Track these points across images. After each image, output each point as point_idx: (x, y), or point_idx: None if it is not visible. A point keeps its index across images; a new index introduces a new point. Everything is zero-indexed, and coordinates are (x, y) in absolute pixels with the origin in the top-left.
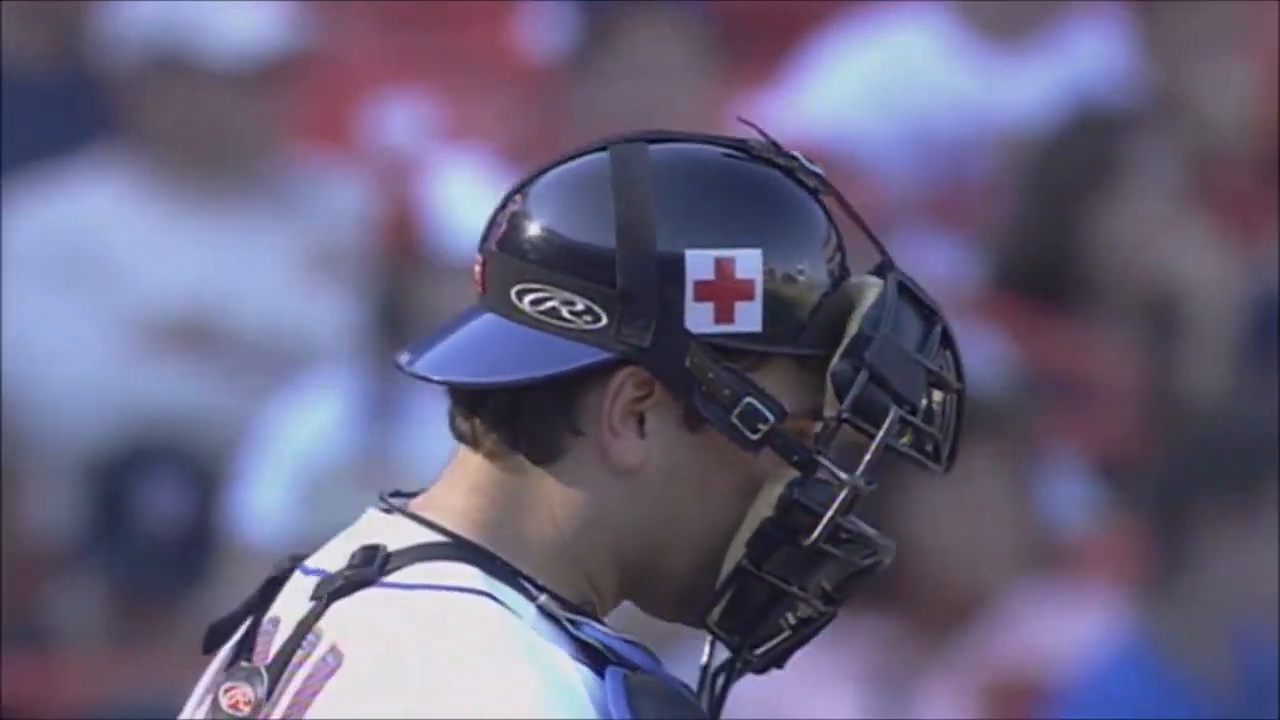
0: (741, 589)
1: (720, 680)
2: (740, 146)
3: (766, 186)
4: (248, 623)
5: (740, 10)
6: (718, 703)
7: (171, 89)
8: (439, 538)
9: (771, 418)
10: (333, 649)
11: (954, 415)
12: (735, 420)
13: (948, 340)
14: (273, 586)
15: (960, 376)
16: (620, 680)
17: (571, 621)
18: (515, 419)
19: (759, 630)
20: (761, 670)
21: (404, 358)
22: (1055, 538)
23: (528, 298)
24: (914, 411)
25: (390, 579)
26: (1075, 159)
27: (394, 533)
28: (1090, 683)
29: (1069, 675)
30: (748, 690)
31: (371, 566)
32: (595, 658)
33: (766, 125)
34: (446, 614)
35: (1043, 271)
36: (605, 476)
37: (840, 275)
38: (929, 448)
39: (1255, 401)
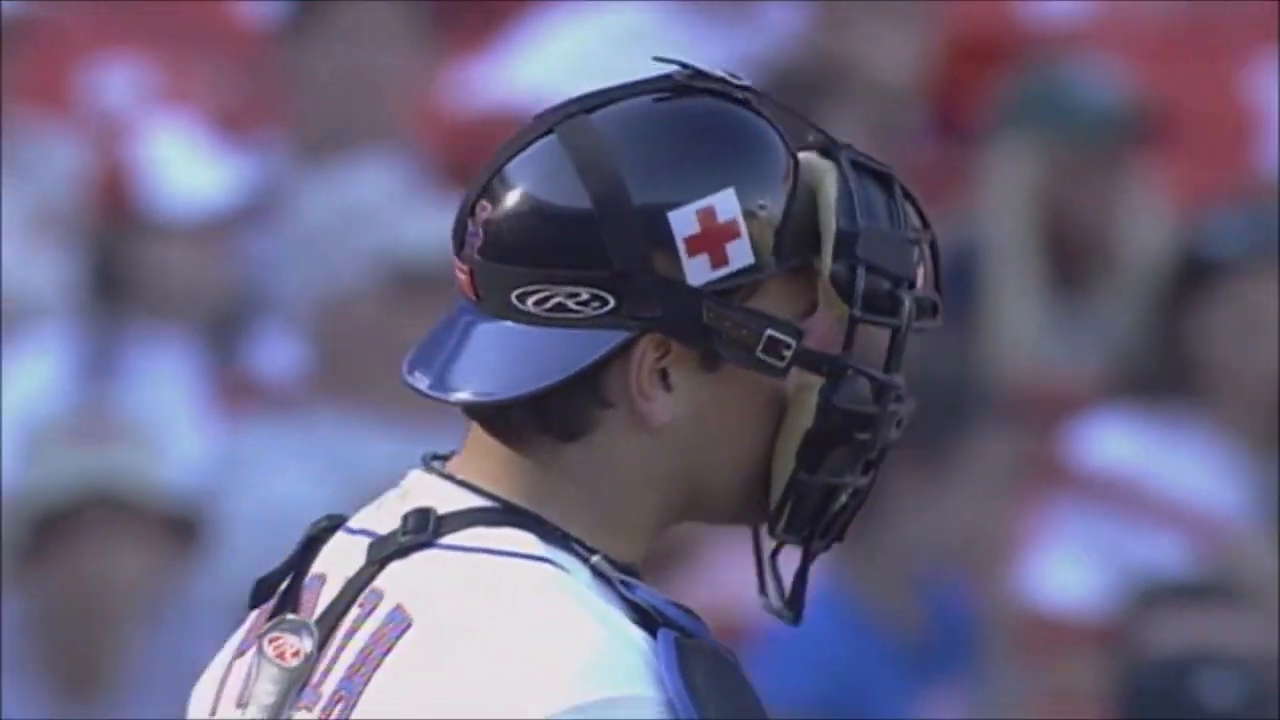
0: (799, 496)
1: (796, 572)
2: (666, 85)
3: (714, 122)
4: (289, 579)
5: None
6: (796, 590)
7: None
8: (487, 503)
9: (793, 341)
10: (398, 608)
11: (933, 262)
12: (761, 355)
13: (907, 194)
14: (313, 545)
15: (926, 223)
16: (672, 644)
17: (624, 583)
18: (544, 410)
19: (822, 523)
20: (827, 549)
21: (419, 379)
22: None
23: (530, 299)
24: (912, 285)
25: (446, 541)
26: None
27: (442, 496)
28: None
29: (765, 619)
30: None
31: (426, 530)
32: (645, 619)
33: (479, 93)
34: (511, 578)
35: None
36: (640, 438)
37: (796, 175)
38: (929, 312)
39: (946, 357)
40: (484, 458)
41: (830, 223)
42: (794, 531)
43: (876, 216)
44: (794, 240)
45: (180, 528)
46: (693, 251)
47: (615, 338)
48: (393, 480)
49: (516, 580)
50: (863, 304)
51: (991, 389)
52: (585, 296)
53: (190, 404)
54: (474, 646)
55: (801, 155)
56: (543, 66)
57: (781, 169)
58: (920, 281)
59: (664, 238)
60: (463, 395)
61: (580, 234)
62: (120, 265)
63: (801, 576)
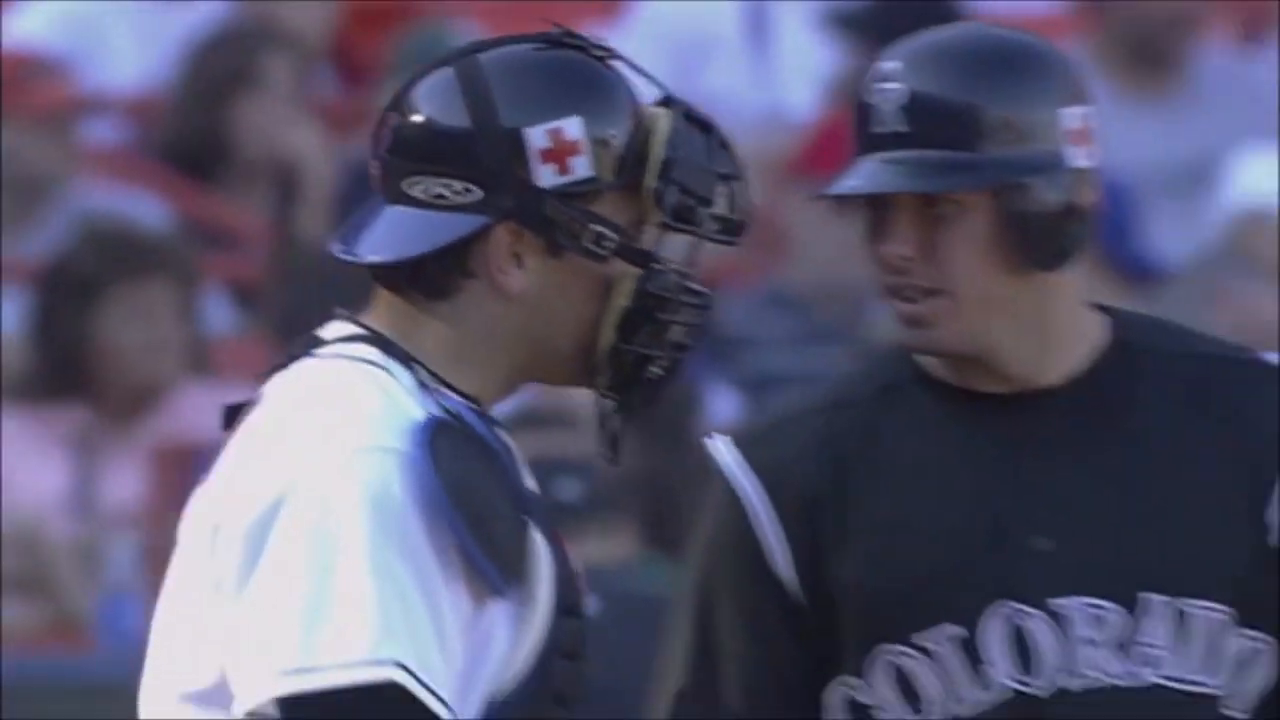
0: (617, 363)
1: (615, 424)
2: (543, 39)
3: (572, 67)
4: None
5: None
6: (614, 441)
7: None
8: (361, 332)
9: (615, 236)
10: (261, 400)
11: (745, 198)
12: (587, 244)
13: (724, 144)
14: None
15: (738, 169)
16: (432, 421)
17: (440, 392)
18: (422, 273)
19: (636, 387)
20: (644, 409)
21: (338, 248)
22: (209, 347)
23: (418, 187)
24: (709, 204)
25: (315, 354)
26: (221, 68)
27: (335, 330)
28: None
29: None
30: None
31: (307, 350)
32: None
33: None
34: (334, 370)
35: (198, 150)
36: (495, 304)
37: (639, 116)
38: (730, 229)
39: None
40: (377, 308)
41: (658, 152)
42: (613, 391)
43: (692, 150)
44: (629, 164)
45: None
46: (543, 161)
47: (478, 221)
48: None
49: (338, 371)
50: (672, 215)
51: None
52: (458, 187)
53: None
54: (279, 412)
55: (648, 105)
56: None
57: (624, 108)
58: (724, 208)
59: (521, 148)
60: (363, 258)
61: (460, 141)
62: None
63: (619, 427)
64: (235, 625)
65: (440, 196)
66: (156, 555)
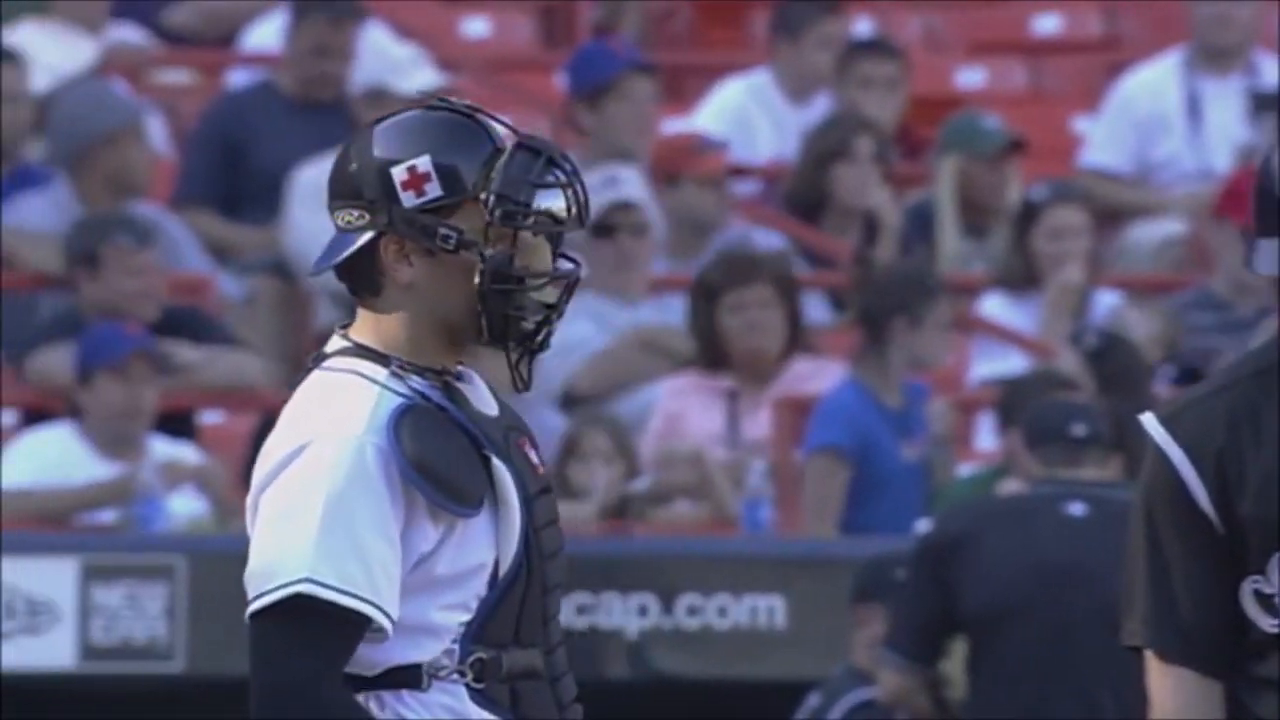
0: (490, 323)
1: (523, 368)
2: (423, 105)
3: (433, 121)
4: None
5: None
6: (521, 376)
7: None
8: (348, 344)
9: (455, 234)
10: (286, 406)
11: (578, 199)
12: (440, 243)
13: (553, 161)
14: None
15: (565, 179)
16: (398, 408)
17: (407, 380)
18: (356, 279)
19: (515, 338)
20: (529, 355)
21: (313, 268)
22: (809, 334)
23: (337, 217)
24: (528, 206)
25: (322, 366)
26: (826, 145)
27: (334, 343)
28: None
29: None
30: None
31: (314, 362)
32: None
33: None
34: (331, 381)
35: (810, 201)
36: (403, 294)
37: (493, 149)
38: (559, 221)
39: None
40: (358, 317)
41: (495, 173)
42: (494, 344)
43: (516, 169)
44: (478, 183)
45: None
46: (404, 188)
47: (365, 235)
48: None
49: (334, 382)
50: (500, 217)
51: None
52: (355, 215)
53: None
54: (286, 421)
55: (505, 143)
56: None
57: (472, 145)
58: (547, 206)
59: (389, 182)
60: (311, 273)
61: (352, 180)
62: None
63: (516, 367)
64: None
65: (348, 222)
66: (778, 473)
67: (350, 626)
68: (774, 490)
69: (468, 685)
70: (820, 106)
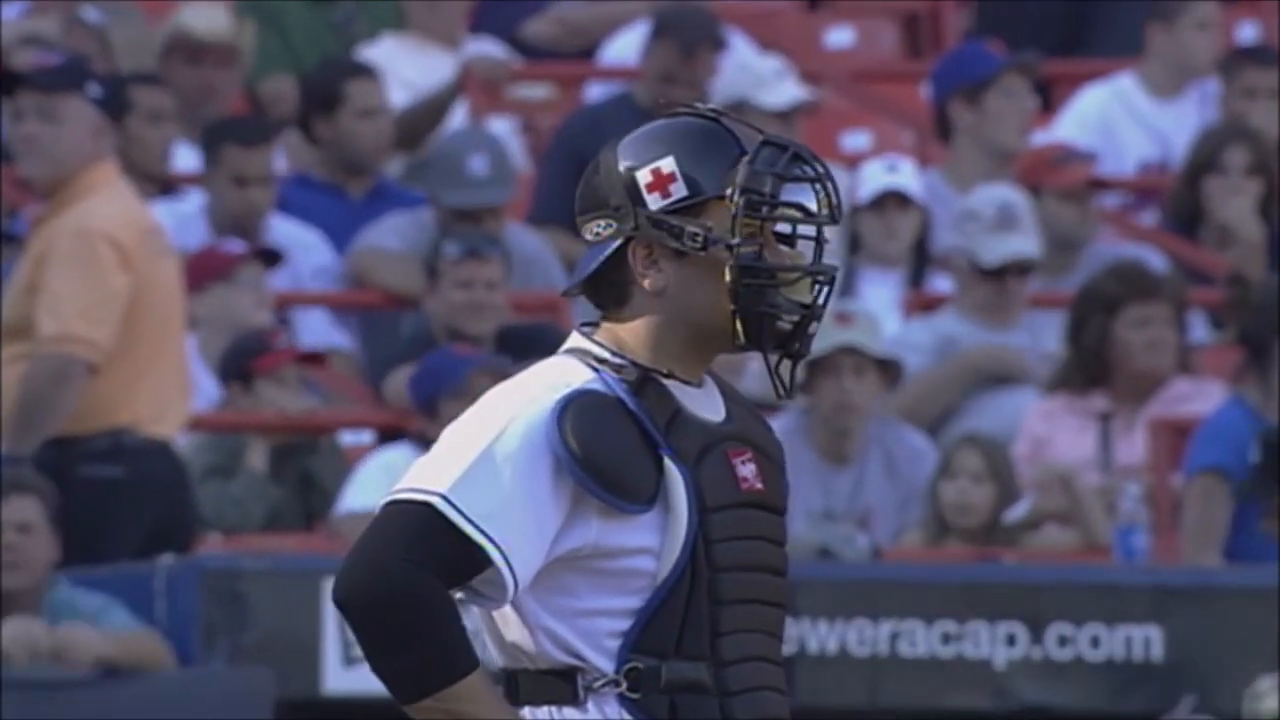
0: (745, 323)
1: (783, 372)
2: (668, 113)
3: (676, 125)
4: None
5: None
6: (784, 382)
7: None
8: (583, 338)
9: (703, 233)
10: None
11: (832, 195)
12: (687, 241)
13: (799, 156)
14: None
15: (815, 174)
16: (569, 394)
17: (604, 372)
18: (601, 288)
19: (772, 340)
20: (791, 358)
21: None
22: (1192, 353)
23: (586, 230)
24: (774, 198)
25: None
26: (1198, 157)
27: (573, 338)
28: None
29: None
30: None
31: (555, 351)
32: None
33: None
34: (548, 362)
35: (1186, 215)
36: (653, 300)
37: (740, 149)
38: (812, 215)
39: None
40: (600, 329)
41: (739, 169)
42: (750, 346)
43: (763, 164)
44: (720, 181)
45: None
46: (649, 191)
47: (615, 243)
48: None
49: (548, 362)
50: (744, 209)
51: None
52: (603, 224)
53: None
54: (517, 378)
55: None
56: None
57: (717, 146)
58: (794, 200)
59: (634, 185)
60: (571, 287)
61: (599, 191)
62: None
63: (775, 371)
64: None
65: (596, 233)
66: (1155, 498)
67: (466, 557)
68: (1149, 515)
69: (622, 695)
70: (1192, 101)
